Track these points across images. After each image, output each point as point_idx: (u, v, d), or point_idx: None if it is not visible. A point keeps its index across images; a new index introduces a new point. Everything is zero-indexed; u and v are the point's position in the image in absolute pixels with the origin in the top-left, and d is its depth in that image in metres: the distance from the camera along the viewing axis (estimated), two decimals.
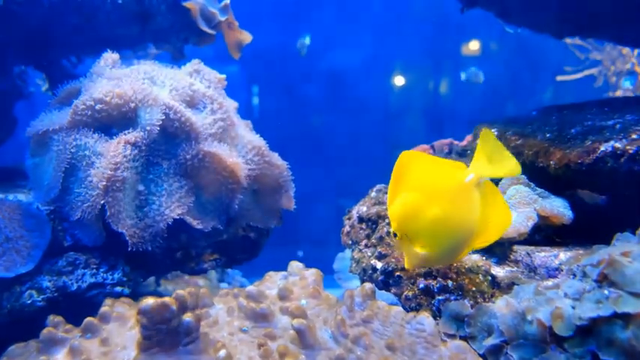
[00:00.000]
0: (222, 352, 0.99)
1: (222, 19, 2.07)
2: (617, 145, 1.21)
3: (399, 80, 4.87)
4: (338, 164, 4.55)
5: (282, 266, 1.39)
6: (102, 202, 1.32)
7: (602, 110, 1.50)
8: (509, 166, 1.01)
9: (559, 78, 3.77)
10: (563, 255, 1.21)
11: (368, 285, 1.21)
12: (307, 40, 3.81)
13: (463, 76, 3.88)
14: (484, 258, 1.29)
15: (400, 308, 1.17)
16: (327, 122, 4.70)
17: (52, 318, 1.22)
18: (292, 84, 4.66)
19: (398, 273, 1.38)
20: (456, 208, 1.01)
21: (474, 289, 1.23)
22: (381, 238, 1.50)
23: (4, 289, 1.32)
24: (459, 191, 1.00)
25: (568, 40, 3.56)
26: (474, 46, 4.72)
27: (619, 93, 3.68)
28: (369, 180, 1.93)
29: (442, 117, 4.65)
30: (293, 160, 1.71)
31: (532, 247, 1.27)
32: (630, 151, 1.18)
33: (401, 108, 4.86)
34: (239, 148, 1.58)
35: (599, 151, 1.23)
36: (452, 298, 1.25)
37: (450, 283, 1.26)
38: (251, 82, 4.74)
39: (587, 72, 3.68)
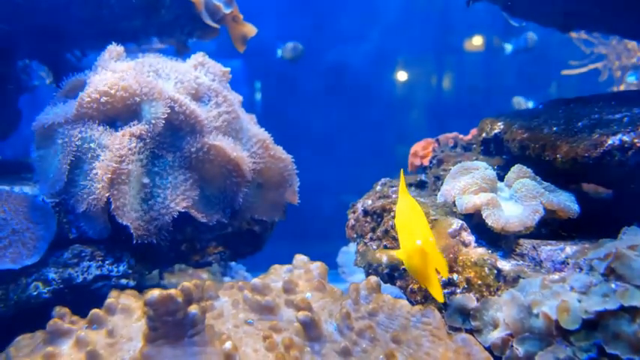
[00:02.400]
0: (228, 344, 0.99)
1: (227, 12, 2.06)
2: (625, 138, 1.20)
3: (403, 75, 4.85)
4: (341, 159, 4.54)
5: (285, 261, 1.38)
6: (107, 194, 1.32)
7: (610, 104, 1.49)
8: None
9: (564, 72, 3.74)
10: (569, 249, 1.20)
11: (373, 278, 1.21)
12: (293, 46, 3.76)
13: (509, 47, 3.83)
14: (490, 252, 1.29)
15: (405, 301, 1.17)
16: (330, 117, 4.69)
17: (59, 309, 1.23)
18: (295, 79, 4.64)
19: (403, 266, 1.38)
20: (412, 257, 1.11)
21: (479, 282, 1.23)
22: (386, 232, 1.50)
23: (11, 281, 1.32)
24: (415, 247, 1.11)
25: (573, 34, 3.54)
26: (477, 41, 4.70)
27: (623, 87, 3.66)
28: (373, 175, 1.92)
29: (447, 111, 4.63)
30: (296, 155, 1.70)
31: (538, 241, 1.26)
32: (638, 145, 1.18)
33: (406, 102, 4.85)
34: (244, 141, 1.58)
35: (606, 145, 1.22)
36: (458, 291, 1.24)
37: (455, 276, 1.26)
38: (254, 77, 4.73)
39: (591, 66, 3.65)
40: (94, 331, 1.15)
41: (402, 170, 1.31)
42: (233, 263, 2.64)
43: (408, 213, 1.19)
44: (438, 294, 1.07)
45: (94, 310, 1.18)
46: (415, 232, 1.13)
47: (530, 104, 3.79)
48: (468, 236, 1.33)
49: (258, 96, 4.77)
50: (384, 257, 1.44)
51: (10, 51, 2.02)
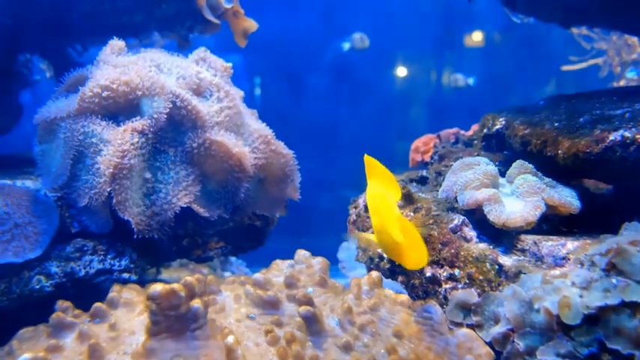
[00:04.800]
0: (230, 338, 0.99)
1: (228, 6, 2.06)
2: (627, 134, 1.20)
3: (404, 70, 4.85)
4: (343, 155, 4.53)
5: (286, 256, 1.39)
6: (109, 189, 1.32)
7: (611, 99, 1.49)
8: None
9: (564, 68, 3.74)
10: (570, 244, 1.20)
11: (375, 273, 1.21)
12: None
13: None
14: (491, 247, 1.29)
15: (407, 296, 1.18)
16: (331, 113, 4.68)
17: (61, 303, 1.23)
18: (296, 74, 4.63)
19: None
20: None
21: (481, 277, 1.23)
22: None
23: (13, 275, 1.33)
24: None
25: (574, 30, 3.53)
26: (477, 37, 4.69)
27: (622, 83, 3.65)
28: None
29: (448, 107, 4.62)
30: (297, 151, 1.70)
31: (539, 236, 1.27)
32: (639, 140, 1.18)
33: (407, 98, 4.84)
34: (245, 136, 1.58)
35: (608, 140, 1.22)
36: (459, 286, 1.25)
37: (457, 271, 1.27)
38: (253, 72, 4.72)
39: (591, 61, 3.64)
40: (97, 324, 1.15)
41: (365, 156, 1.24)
42: (233, 258, 2.65)
43: (375, 201, 1.18)
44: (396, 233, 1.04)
45: (97, 304, 1.19)
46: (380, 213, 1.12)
47: (471, 81, 3.74)
48: (470, 232, 1.34)
49: (258, 91, 4.76)
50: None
51: (12, 45, 2.02)
